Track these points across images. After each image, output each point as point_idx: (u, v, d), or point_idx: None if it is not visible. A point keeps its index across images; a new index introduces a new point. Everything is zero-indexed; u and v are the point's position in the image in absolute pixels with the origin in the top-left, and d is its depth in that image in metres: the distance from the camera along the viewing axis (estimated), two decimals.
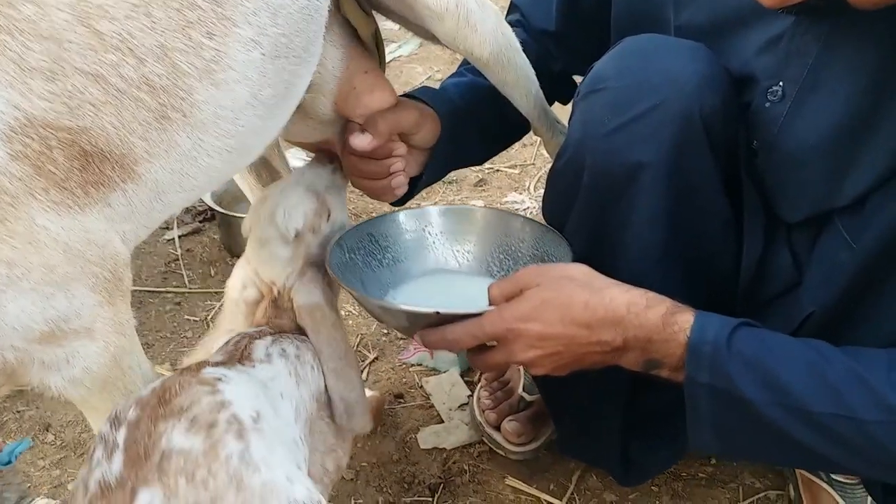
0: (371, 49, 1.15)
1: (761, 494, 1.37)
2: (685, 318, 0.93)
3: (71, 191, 0.72)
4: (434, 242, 1.29)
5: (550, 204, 1.21)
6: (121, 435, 0.76)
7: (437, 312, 0.98)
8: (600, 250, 1.05)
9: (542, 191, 2.17)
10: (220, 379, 0.84)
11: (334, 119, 1.17)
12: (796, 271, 1.10)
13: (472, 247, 1.28)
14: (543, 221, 1.25)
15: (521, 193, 2.17)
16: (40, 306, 0.71)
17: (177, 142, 0.79)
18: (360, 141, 1.13)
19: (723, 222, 1.11)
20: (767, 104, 1.04)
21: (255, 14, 0.82)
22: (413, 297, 1.18)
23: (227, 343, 1.01)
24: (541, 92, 1.30)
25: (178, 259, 1.97)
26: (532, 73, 1.26)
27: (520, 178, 2.26)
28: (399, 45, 3.05)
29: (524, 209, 2.09)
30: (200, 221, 2.09)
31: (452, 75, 1.37)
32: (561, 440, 1.41)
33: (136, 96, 0.74)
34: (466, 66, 1.35)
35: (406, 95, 1.26)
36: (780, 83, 1.02)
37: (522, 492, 1.37)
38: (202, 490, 0.72)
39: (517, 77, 1.21)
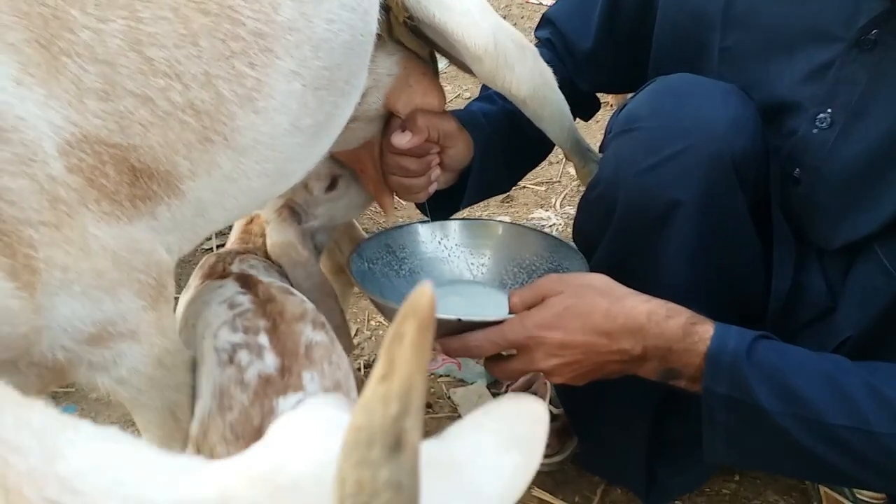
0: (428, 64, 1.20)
1: None
2: (705, 329, 0.95)
3: (120, 203, 0.77)
4: (450, 255, 1.32)
5: (581, 232, 1.24)
6: (262, 338, 0.91)
7: (459, 319, 1.00)
8: (630, 282, 1.08)
9: (567, 208, 2.20)
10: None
11: (380, 116, 1.22)
12: (830, 298, 1.11)
13: (488, 260, 1.31)
14: (561, 237, 1.27)
15: (547, 210, 2.20)
16: (89, 309, 0.76)
17: (218, 163, 0.84)
18: (401, 139, 1.17)
19: (752, 256, 1.13)
20: (815, 131, 1.05)
21: (296, 47, 0.87)
22: None
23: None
24: (574, 124, 1.33)
25: None
26: (566, 107, 1.29)
27: (546, 195, 2.29)
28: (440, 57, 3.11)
29: (550, 226, 2.12)
30: None
31: (480, 98, 1.40)
32: (585, 457, 1.43)
33: (182, 119, 0.79)
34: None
35: None
36: (829, 110, 1.04)
37: (548, 503, 1.39)
38: (337, 370, 0.89)
39: (552, 113, 1.25)
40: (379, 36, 1.05)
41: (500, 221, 1.40)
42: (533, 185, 2.32)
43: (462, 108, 1.37)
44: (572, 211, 2.17)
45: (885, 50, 0.99)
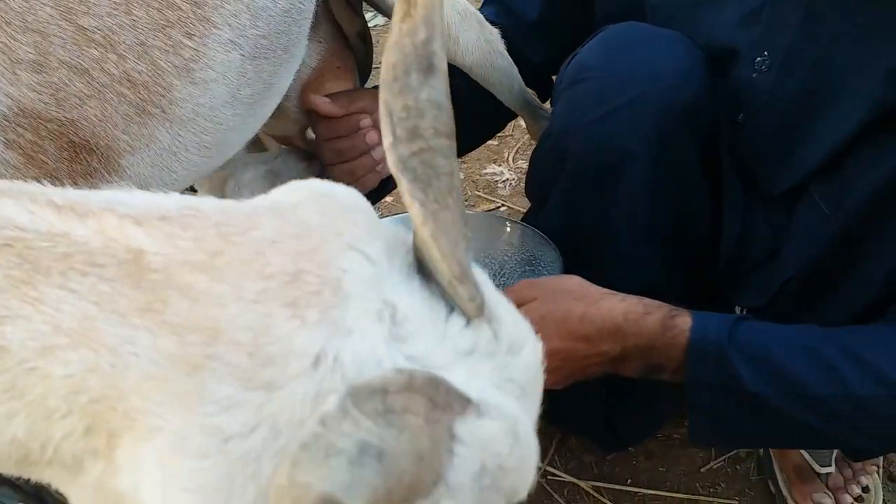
0: (356, 46, 1.18)
1: (732, 453, 1.43)
2: (684, 321, 0.95)
3: (61, 181, 0.75)
4: None
5: (533, 185, 1.24)
6: None
7: None
8: (583, 230, 1.08)
9: (521, 162, 2.20)
10: None
11: (300, 113, 1.20)
12: (775, 242, 1.13)
13: None
14: (524, 196, 1.27)
15: (500, 165, 2.20)
16: None
17: (157, 136, 0.82)
18: (321, 101, 1.14)
19: (703, 202, 1.14)
20: (754, 75, 1.06)
21: (235, 16, 0.85)
22: None
23: None
24: (523, 86, 1.33)
25: None
26: (515, 70, 1.29)
27: (498, 149, 2.29)
28: (375, 14, 3.04)
29: (503, 181, 2.13)
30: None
31: None
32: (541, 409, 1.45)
33: (119, 91, 0.77)
34: None
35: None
36: (766, 53, 1.04)
37: None
38: None
39: (500, 78, 1.25)
40: None
41: (469, 212, 1.38)
42: None
43: None
44: (525, 165, 2.17)
45: None
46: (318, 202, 0.46)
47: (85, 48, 0.73)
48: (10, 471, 0.44)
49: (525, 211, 1.35)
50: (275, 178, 1.16)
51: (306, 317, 0.40)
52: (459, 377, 0.43)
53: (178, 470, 0.38)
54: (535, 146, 1.24)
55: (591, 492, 1.38)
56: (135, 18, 0.76)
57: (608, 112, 1.04)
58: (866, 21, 0.95)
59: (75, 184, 0.77)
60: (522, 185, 1.29)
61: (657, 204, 1.09)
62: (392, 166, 0.43)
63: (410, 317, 0.43)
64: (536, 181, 1.23)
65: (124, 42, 0.76)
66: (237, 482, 0.38)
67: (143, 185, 0.85)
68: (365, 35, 1.19)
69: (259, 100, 0.95)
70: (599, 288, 1.00)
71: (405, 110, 0.43)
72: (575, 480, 1.40)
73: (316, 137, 1.20)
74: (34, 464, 0.42)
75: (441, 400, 0.40)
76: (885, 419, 0.90)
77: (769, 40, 1.04)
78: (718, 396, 0.95)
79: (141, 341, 0.39)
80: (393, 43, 0.43)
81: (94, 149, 0.77)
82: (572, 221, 1.13)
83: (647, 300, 0.98)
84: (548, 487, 1.39)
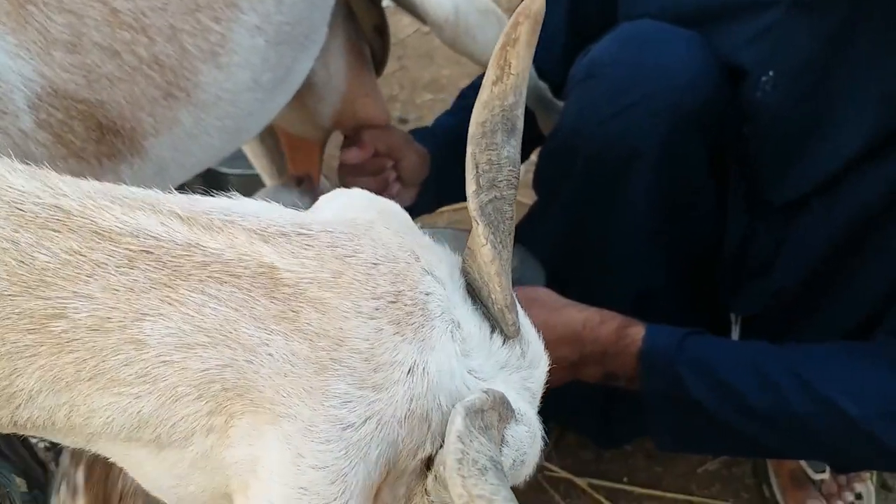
0: (373, 40, 1.19)
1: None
2: (636, 331, 1.00)
3: (87, 161, 0.76)
4: None
5: (542, 179, 1.26)
6: None
7: None
8: (590, 227, 1.10)
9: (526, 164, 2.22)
10: None
11: (329, 129, 1.24)
12: (774, 251, 1.15)
13: None
14: (532, 188, 1.28)
15: None
16: None
17: (180, 119, 0.83)
18: (349, 154, 1.19)
19: (708, 206, 1.16)
20: (759, 93, 1.07)
21: (260, 2, 0.86)
22: None
23: None
24: (538, 80, 1.34)
25: None
26: (532, 69, 1.29)
27: None
28: None
29: None
30: None
31: (446, 113, 1.40)
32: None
33: (147, 74, 0.78)
34: (462, 104, 1.39)
35: None
36: (771, 73, 1.05)
37: None
38: None
39: None
40: None
41: (449, 228, 1.41)
42: None
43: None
44: (533, 157, 2.19)
45: (822, 10, 1.01)
46: (386, 220, 0.54)
47: (117, 30, 0.75)
48: (117, 437, 0.48)
49: (531, 203, 1.36)
50: None
51: (405, 333, 0.49)
52: (498, 388, 0.52)
53: (306, 451, 0.45)
54: (545, 140, 1.25)
55: (588, 489, 1.40)
56: (166, 1, 0.78)
57: (620, 110, 1.05)
58: (867, 47, 0.97)
59: (99, 164, 0.78)
60: (530, 176, 1.30)
61: (664, 203, 1.10)
62: (472, 211, 0.50)
63: (470, 334, 0.52)
64: (546, 176, 1.24)
65: (154, 25, 0.77)
66: (352, 462, 0.46)
67: (163, 168, 0.86)
68: (382, 28, 1.20)
69: (279, 85, 0.96)
70: (563, 298, 1.05)
71: (489, 164, 0.51)
72: (571, 477, 1.41)
73: (341, 162, 1.23)
74: (138, 436, 0.47)
75: (505, 413, 0.50)
76: (820, 435, 0.94)
77: (775, 59, 1.05)
78: (670, 404, 0.99)
79: (276, 343, 0.46)
80: (483, 102, 0.51)
81: (120, 130, 0.78)
82: (581, 218, 1.15)
83: (605, 311, 1.02)
84: (544, 483, 1.41)
